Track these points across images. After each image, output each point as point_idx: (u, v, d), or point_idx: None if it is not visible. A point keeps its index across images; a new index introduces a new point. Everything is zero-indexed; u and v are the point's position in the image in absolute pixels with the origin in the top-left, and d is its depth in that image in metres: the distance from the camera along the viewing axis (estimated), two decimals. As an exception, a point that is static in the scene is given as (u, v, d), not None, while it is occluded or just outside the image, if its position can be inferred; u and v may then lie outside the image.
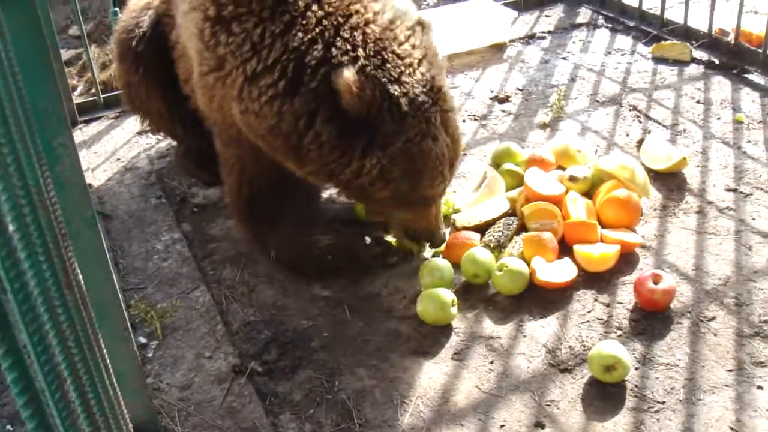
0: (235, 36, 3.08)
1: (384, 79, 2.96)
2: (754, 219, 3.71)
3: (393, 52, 3.03)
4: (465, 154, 4.40)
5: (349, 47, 2.98)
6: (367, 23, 3.05)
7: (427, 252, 3.62)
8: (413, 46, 3.10)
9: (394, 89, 2.97)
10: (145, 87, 4.11)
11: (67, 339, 1.61)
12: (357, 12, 3.06)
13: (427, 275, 3.36)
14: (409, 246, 3.59)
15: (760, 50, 5.12)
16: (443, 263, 3.40)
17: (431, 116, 3.08)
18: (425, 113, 3.05)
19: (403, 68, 3.02)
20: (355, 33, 3.01)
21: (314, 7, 3.03)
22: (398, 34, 3.09)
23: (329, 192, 4.02)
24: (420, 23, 3.19)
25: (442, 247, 3.59)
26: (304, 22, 3.00)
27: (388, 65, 3.00)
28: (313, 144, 3.03)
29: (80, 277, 1.85)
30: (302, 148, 3.05)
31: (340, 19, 3.03)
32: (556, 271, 3.36)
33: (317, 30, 3.00)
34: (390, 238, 3.63)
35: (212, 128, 3.64)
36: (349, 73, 2.87)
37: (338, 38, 2.99)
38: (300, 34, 2.99)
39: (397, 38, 3.08)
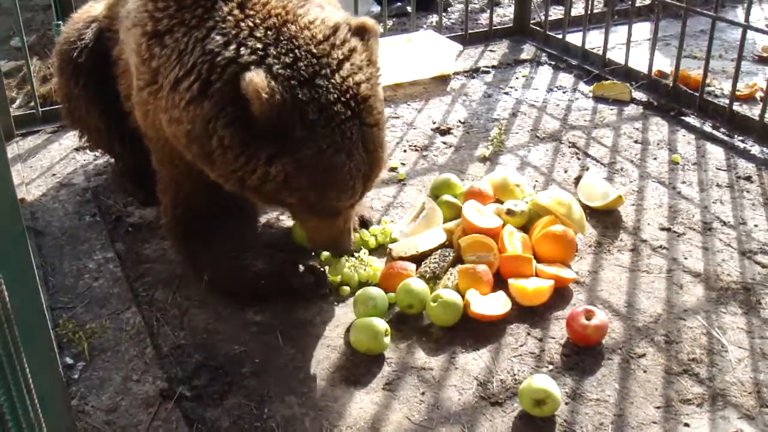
0: (166, 48, 3.04)
1: (293, 81, 2.86)
2: (686, 258, 3.77)
3: (308, 51, 2.91)
4: (404, 184, 4.42)
5: (259, 46, 2.88)
6: (285, 23, 2.96)
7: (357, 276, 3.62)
8: (333, 46, 2.97)
9: (303, 93, 2.85)
10: (84, 101, 4.05)
11: (-15, 357, 1.57)
12: (277, 15, 2.98)
13: (361, 303, 3.35)
14: (345, 278, 3.58)
15: (697, 94, 5.23)
16: (378, 292, 3.39)
17: (346, 129, 2.94)
18: (340, 125, 2.92)
19: (317, 68, 2.89)
20: (269, 32, 2.92)
21: (236, 12, 2.97)
22: (317, 32, 2.96)
23: (267, 216, 4.00)
24: (359, 26, 3.08)
25: (377, 276, 3.58)
26: (223, 25, 2.95)
27: (300, 63, 2.88)
28: (219, 149, 2.94)
29: (6, 294, 1.80)
30: (211, 152, 2.97)
31: (258, 21, 2.95)
32: (490, 304, 3.37)
33: (234, 32, 2.93)
34: (324, 269, 3.60)
35: (149, 145, 3.59)
36: (257, 77, 2.74)
37: (251, 38, 2.90)
38: (218, 37, 2.93)
39: (315, 37, 2.95)
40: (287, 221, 4.04)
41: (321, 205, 3.12)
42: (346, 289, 3.58)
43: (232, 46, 2.90)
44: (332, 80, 2.90)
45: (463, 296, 3.38)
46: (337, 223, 3.28)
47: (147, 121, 3.34)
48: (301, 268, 3.52)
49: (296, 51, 2.89)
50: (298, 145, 2.89)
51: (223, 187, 3.25)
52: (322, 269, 3.59)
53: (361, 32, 3.08)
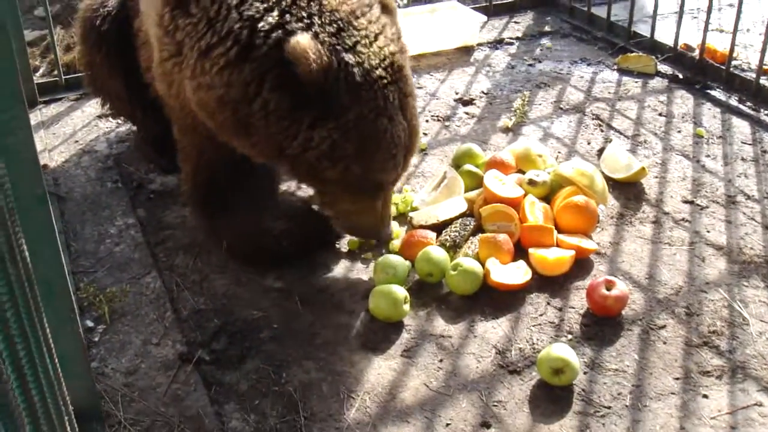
0: (192, 17, 3.03)
1: (338, 47, 2.91)
2: (708, 231, 3.74)
3: (348, 22, 2.98)
4: (426, 154, 4.40)
5: (304, 14, 2.92)
6: None
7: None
8: (369, 21, 3.04)
9: (349, 57, 2.91)
10: (107, 68, 4.05)
11: (5, 313, 1.58)
12: None
13: (381, 271, 3.34)
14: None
15: (723, 67, 5.17)
16: (398, 260, 3.38)
17: (389, 94, 3.01)
18: (382, 89, 2.99)
19: (358, 38, 2.97)
20: (312, 3, 2.96)
21: None
22: (354, 8, 3.03)
23: (286, 186, 4.00)
24: (382, 3, 3.16)
25: (398, 245, 3.58)
26: None
27: (343, 34, 2.94)
28: (261, 112, 2.95)
29: (26, 253, 1.81)
30: (250, 117, 2.98)
31: None
32: (511, 273, 3.36)
33: (274, 0, 2.95)
34: None
35: (171, 115, 3.60)
36: (304, 40, 2.79)
37: (294, 7, 2.94)
38: (257, 3, 2.94)
39: (354, 12, 3.02)
40: (308, 190, 4.04)
41: (363, 180, 3.12)
42: (369, 254, 3.59)
43: (275, 13, 2.92)
44: (372, 49, 2.98)
45: (483, 265, 3.37)
46: (376, 205, 3.29)
47: (170, 91, 3.33)
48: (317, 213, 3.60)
49: (339, 22, 2.96)
50: (343, 110, 2.93)
51: (243, 158, 3.26)
52: None
53: (386, 10, 3.17)
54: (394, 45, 3.10)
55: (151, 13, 3.26)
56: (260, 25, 2.90)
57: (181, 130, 3.57)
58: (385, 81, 3.00)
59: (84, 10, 4.09)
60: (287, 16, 2.91)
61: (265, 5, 2.94)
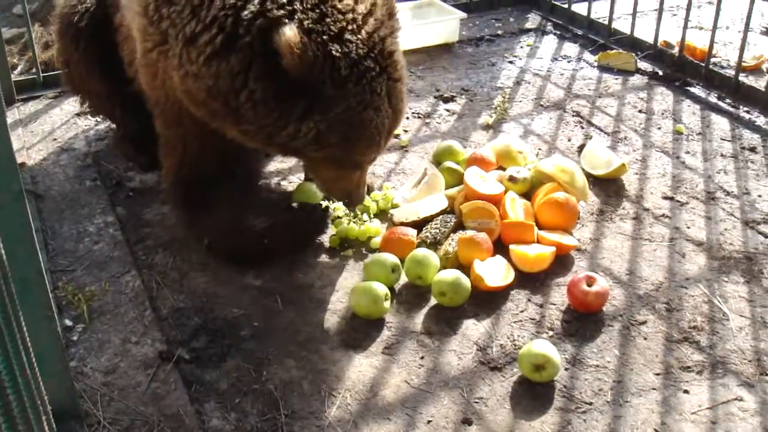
0: (176, 5, 3.00)
1: (324, 37, 2.84)
2: (688, 227, 3.75)
3: (333, 6, 2.89)
4: (407, 151, 4.40)
5: (284, 0, 2.85)
6: None
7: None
8: (356, 1, 2.96)
9: (335, 49, 2.84)
10: (84, 65, 4.02)
11: (-21, 310, 1.56)
12: None
13: (380, 267, 3.34)
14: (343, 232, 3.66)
15: (702, 64, 5.20)
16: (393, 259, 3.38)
17: (376, 86, 2.97)
18: (370, 82, 2.94)
19: (344, 24, 2.88)
20: None
21: None
22: None
23: (266, 181, 3.99)
24: None
25: (378, 242, 3.57)
26: None
27: (327, 20, 2.86)
28: (248, 103, 2.91)
29: (2, 250, 1.79)
30: (239, 107, 2.94)
31: None
32: (498, 275, 3.34)
33: None
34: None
35: (154, 109, 3.54)
36: (290, 32, 2.73)
37: None
38: None
39: None
40: (288, 186, 4.03)
41: (345, 159, 3.15)
42: (350, 251, 3.61)
43: (256, 0, 2.86)
44: (359, 36, 2.91)
45: (470, 269, 3.35)
46: (354, 176, 3.32)
47: (155, 82, 3.29)
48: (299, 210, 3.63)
49: (322, 6, 2.88)
50: (329, 102, 2.91)
51: (228, 151, 3.27)
52: (321, 208, 3.66)
53: None
54: (385, 28, 3.02)
55: (134, 5, 3.23)
56: (243, 13, 2.85)
57: (165, 122, 3.52)
58: (374, 73, 2.95)
59: (62, 6, 4.06)
60: (268, 2, 2.84)
61: None
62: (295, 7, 2.84)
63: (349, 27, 2.90)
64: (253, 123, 2.98)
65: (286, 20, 2.81)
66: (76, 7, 3.94)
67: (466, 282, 3.26)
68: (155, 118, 3.59)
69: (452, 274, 3.25)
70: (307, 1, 2.87)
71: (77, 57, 4.02)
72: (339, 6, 2.90)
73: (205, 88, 2.97)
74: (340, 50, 2.85)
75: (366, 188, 3.52)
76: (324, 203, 3.66)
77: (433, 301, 3.30)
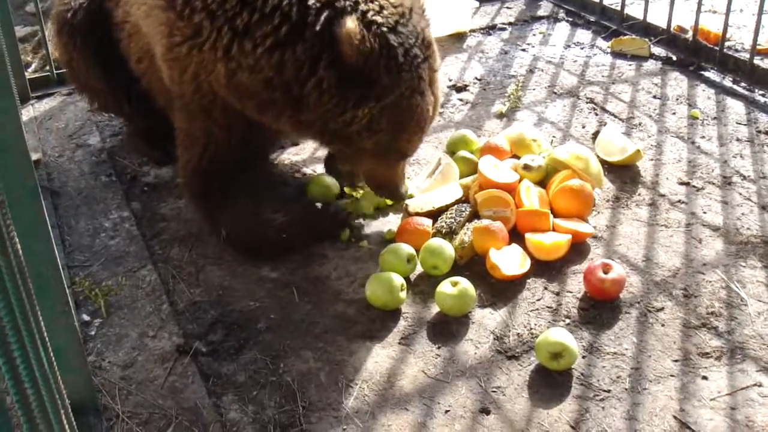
0: None
1: (384, 28, 2.94)
2: (705, 213, 3.73)
3: (389, 3, 3.02)
4: (420, 141, 4.39)
5: None
6: None
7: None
8: None
9: (393, 39, 2.95)
10: (83, 62, 4.00)
11: (-5, 304, 1.57)
12: None
13: (397, 257, 3.34)
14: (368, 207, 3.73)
15: (717, 48, 5.16)
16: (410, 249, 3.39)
17: (422, 72, 3.09)
18: (418, 68, 3.06)
19: (397, 17, 3.00)
20: None
21: None
22: None
23: (282, 173, 3.99)
24: None
25: (394, 231, 3.57)
26: None
27: (385, 12, 2.98)
28: (315, 91, 2.99)
29: (18, 246, 1.79)
30: (303, 97, 3.01)
31: None
32: (513, 263, 3.33)
33: None
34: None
35: (176, 102, 3.50)
36: (352, 24, 2.83)
37: None
38: None
39: None
40: (302, 178, 4.03)
41: (391, 148, 3.22)
42: (364, 243, 3.61)
43: None
44: (408, 27, 3.03)
45: (486, 258, 3.35)
46: (398, 168, 3.42)
47: (184, 76, 3.27)
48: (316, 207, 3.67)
49: (379, 0, 3.00)
50: (384, 89, 3.00)
51: (252, 142, 3.36)
52: (341, 207, 3.70)
53: None
54: (423, 20, 3.15)
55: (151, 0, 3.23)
56: (310, 2, 2.93)
57: (191, 114, 3.46)
58: (419, 59, 3.06)
59: (57, 5, 4.04)
60: None
61: None
62: (361, 4, 2.96)
63: (401, 20, 3.01)
64: (313, 111, 3.04)
65: (350, 11, 2.91)
66: (69, 4, 3.93)
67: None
68: (175, 112, 3.57)
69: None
70: None
71: (75, 54, 4.01)
72: (392, 2, 3.02)
73: (263, 80, 3.02)
74: (396, 40, 2.96)
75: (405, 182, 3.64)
76: (340, 202, 3.71)
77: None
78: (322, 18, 2.91)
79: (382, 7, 2.97)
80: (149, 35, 3.38)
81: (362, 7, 2.94)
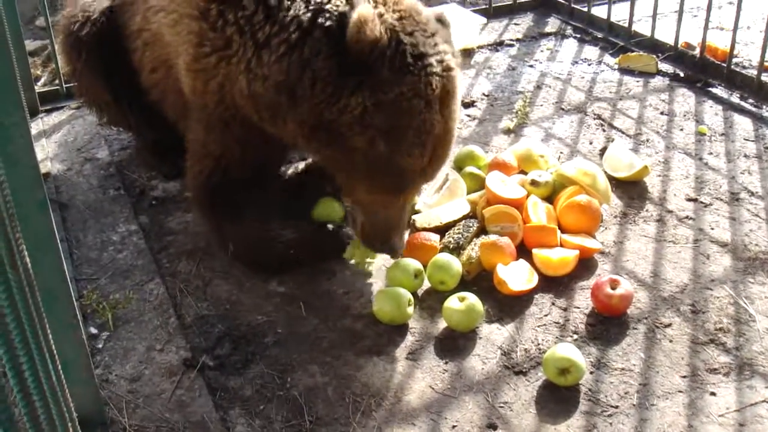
0: (246, 10, 3.03)
1: (399, 30, 2.93)
2: (712, 228, 3.72)
3: (410, 15, 3.00)
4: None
5: (372, 3, 2.96)
6: None
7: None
8: (428, 20, 3.07)
9: (405, 39, 2.92)
10: (88, 74, 4.02)
11: (5, 318, 1.57)
12: None
13: (403, 272, 3.34)
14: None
15: (724, 65, 5.16)
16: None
17: (432, 82, 2.96)
18: (428, 77, 2.96)
19: (418, 28, 2.98)
20: None
21: None
22: (420, 9, 3.07)
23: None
24: (438, 17, 3.17)
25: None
26: None
27: (404, 22, 2.96)
28: (308, 81, 2.94)
29: (27, 259, 1.80)
30: (299, 90, 2.97)
31: None
32: (521, 279, 3.33)
33: None
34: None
35: (193, 114, 3.49)
36: (366, 10, 2.82)
37: None
38: None
39: (415, 7, 3.05)
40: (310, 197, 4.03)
41: (389, 163, 3.03)
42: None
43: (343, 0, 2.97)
44: (428, 39, 2.99)
45: (493, 273, 3.35)
46: (396, 204, 3.22)
47: (208, 87, 3.26)
48: (330, 227, 3.61)
49: (401, 12, 2.99)
50: (383, 83, 2.92)
51: (264, 156, 3.40)
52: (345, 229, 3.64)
53: (440, 20, 3.17)
54: (447, 46, 3.10)
55: (183, 8, 3.24)
56: (327, 6, 2.95)
57: (207, 127, 3.44)
58: (432, 70, 2.97)
59: (64, 16, 4.06)
60: (356, 2, 2.92)
61: None
62: (379, 7, 2.96)
63: (421, 32, 2.99)
64: (308, 103, 2.97)
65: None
66: (76, 16, 3.94)
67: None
68: (191, 123, 3.56)
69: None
70: (389, 6, 2.99)
71: (80, 67, 4.02)
72: (416, 18, 3.01)
73: (274, 85, 3.01)
74: (409, 41, 2.93)
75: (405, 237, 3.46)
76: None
77: (456, 306, 3.29)
78: (334, 16, 2.92)
79: (401, 18, 2.96)
80: (173, 44, 3.38)
81: (380, 9, 2.94)
